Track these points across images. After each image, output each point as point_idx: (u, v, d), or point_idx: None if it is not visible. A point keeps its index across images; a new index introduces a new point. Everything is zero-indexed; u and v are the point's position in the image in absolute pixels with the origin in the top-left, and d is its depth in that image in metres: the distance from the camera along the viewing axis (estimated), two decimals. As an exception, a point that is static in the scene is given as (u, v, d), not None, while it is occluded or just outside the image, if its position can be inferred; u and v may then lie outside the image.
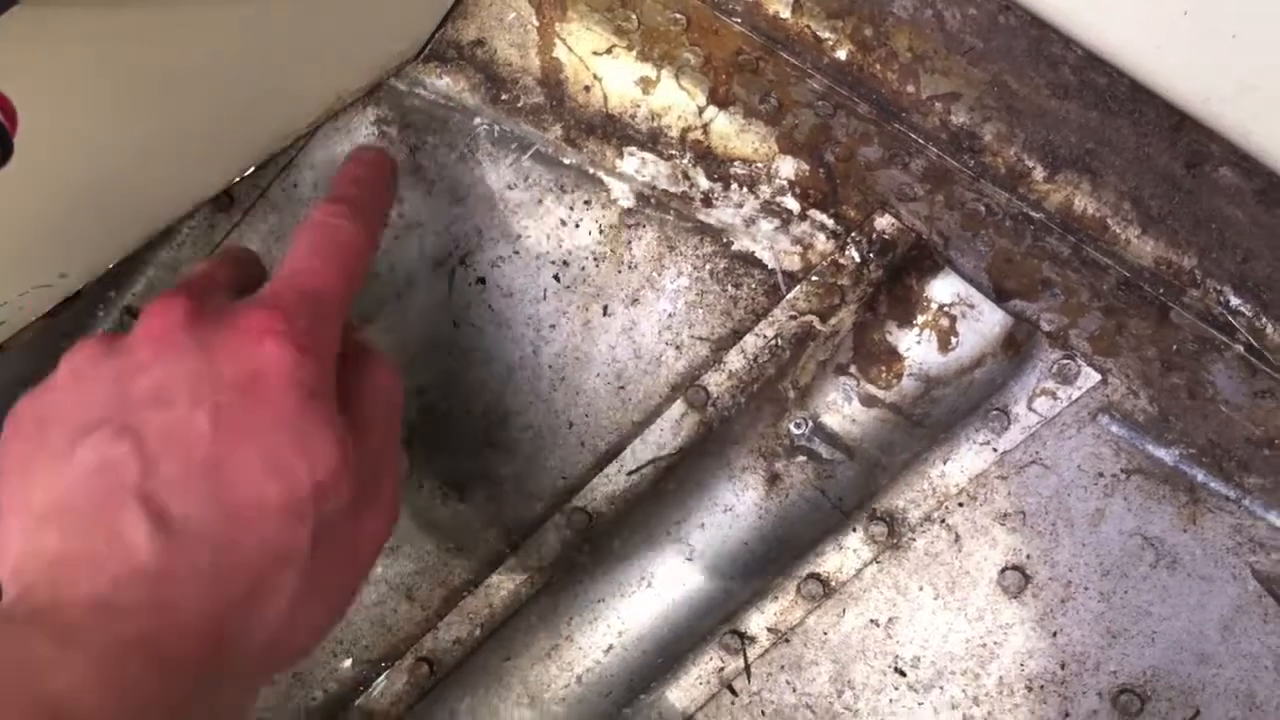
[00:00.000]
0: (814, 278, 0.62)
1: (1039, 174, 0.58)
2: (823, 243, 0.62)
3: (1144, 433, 0.60)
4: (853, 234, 0.61)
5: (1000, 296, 0.60)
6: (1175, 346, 0.58)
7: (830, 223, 0.62)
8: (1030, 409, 0.60)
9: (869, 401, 0.59)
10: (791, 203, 0.62)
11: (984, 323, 0.58)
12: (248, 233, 0.66)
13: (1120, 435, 0.60)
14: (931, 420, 0.60)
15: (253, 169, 0.63)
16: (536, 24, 0.64)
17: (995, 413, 0.60)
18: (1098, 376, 0.59)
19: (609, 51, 0.63)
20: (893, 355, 0.59)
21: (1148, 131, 0.58)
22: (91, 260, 0.58)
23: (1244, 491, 0.59)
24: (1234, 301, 0.57)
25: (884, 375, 0.59)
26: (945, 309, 0.58)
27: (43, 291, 0.57)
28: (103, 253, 0.58)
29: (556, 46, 0.65)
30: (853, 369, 0.60)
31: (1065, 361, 0.60)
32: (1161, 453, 0.59)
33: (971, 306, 0.58)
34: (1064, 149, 0.58)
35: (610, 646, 0.64)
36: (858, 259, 0.62)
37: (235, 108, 0.55)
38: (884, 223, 0.61)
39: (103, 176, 0.51)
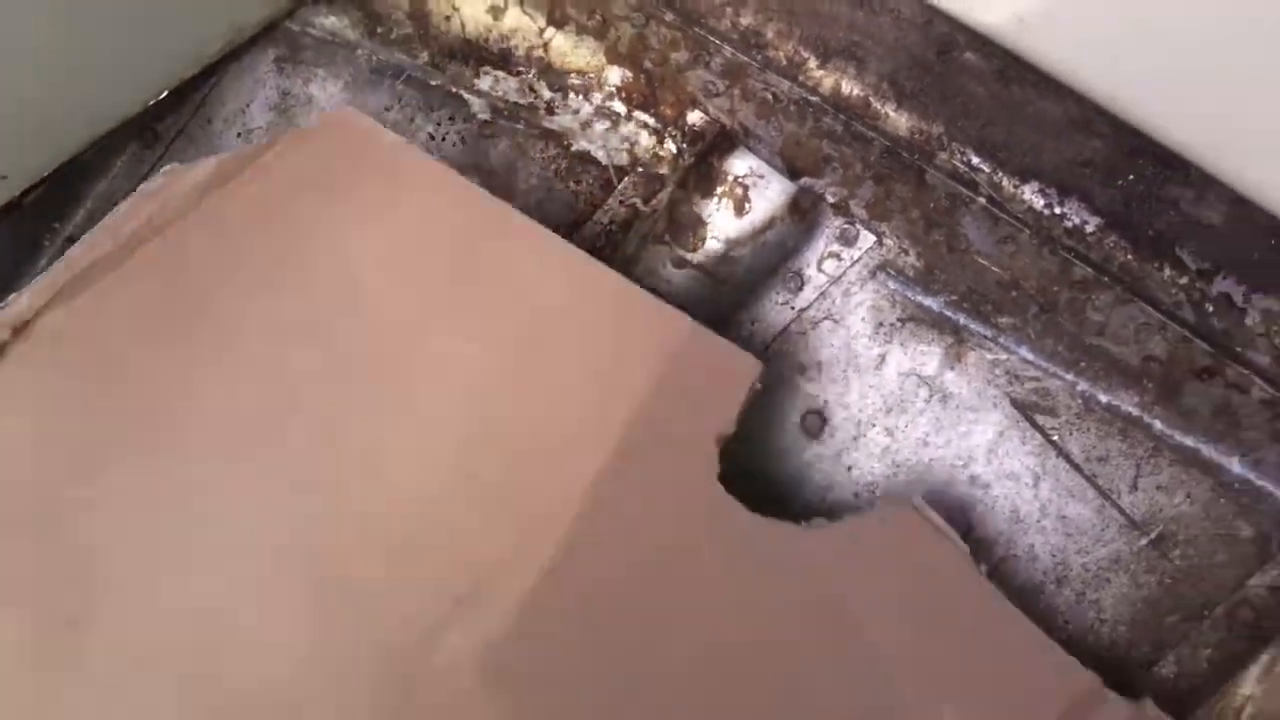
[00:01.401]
0: (639, 170, 0.73)
1: (813, 63, 0.69)
2: (646, 139, 0.73)
3: (914, 285, 0.70)
4: (669, 129, 0.73)
5: (793, 175, 0.71)
6: (933, 205, 0.68)
7: (651, 121, 0.73)
8: (820, 270, 0.71)
9: (680, 263, 0.70)
10: (619, 106, 0.74)
11: (772, 190, 0.69)
12: (171, 162, 0.78)
13: (895, 289, 0.70)
14: (734, 278, 0.70)
15: (167, 94, 0.75)
16: (407, -33, 0.76)
17: (791, 275, 0.71)
18: (874, 238, 0.70)
19: (465, -14, 0.75)
20: (698, 222, 0.70)
21: (904, 26, 0.68)
22: (28, 165, 0.70)
23: (999, 330, 0.69)
24: (975, 161, 0.67)
25: (692, 240, 0.70)
26: (740, 180, 0.69)
27: (-12, 186, 0.69)
28: (38, 158, 0.70)
29: (423, -15, 0.77)
30: (667, 237, 0.70)
31: (846, 226, 0.70)
32: (930, 301, 0.70)
33: (761, 177, 0.69)
34: (833, 41, 0.69)
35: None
36: (674, 150, 0.73)
37: (142, 29, 0.68)
38: (694, 117, 0.72)
39: (33, 87, 0.64)
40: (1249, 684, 0.63)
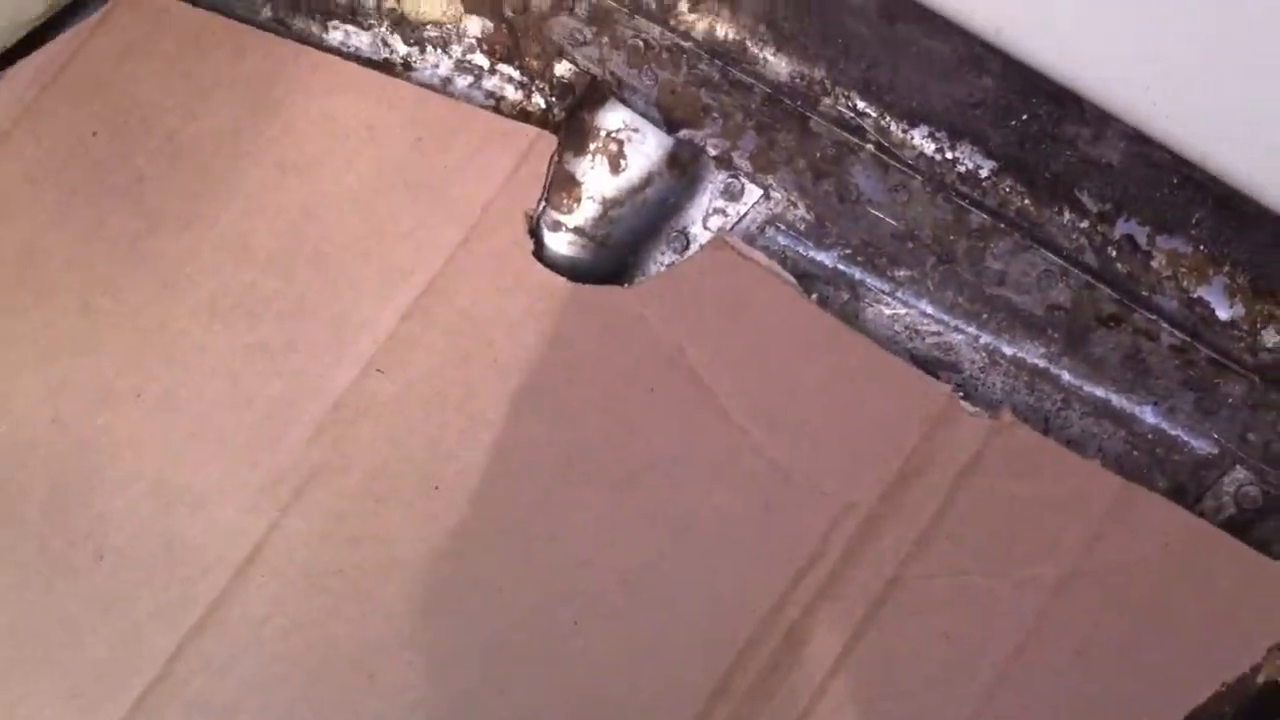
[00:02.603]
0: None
1: (684, 5, 0.64)
2: (513, 93, 0.68)
3: (806, 239, 0.65)
4: (537, 82, 0.67)
5: (671, 128, 0.65)
6: (819, 154, 0.64)
7: (517, 74, 0.67)
8: (705, 228, 0.66)
9: (555, 227, 0.65)
10: (481, 59, 0.68)
11: (648, 145, 0.64)
12: None
13: (786, 245, 0.65)
14: (614, 240, 0.65)
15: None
16: (243, -83, 0.69)
17: (676, 235, 0.66)
18: (760, 192, 0.65)
19: (308, -65, 0.68)
20: (572, 182, 0.64)
21: (781, -39, 0.63)
22: None
23: (896, 284, 0.64)
24: (861, 105, 0.63)
25: (566, 201, 0.64)
26: (613, 135, 0.64)
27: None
28: None
29: (262, -64, 0.69)
30: (540, 199, 0.65)
31: (731, 180, 0.65)
32: (823, 256, 0.65)
33: (636, 131, 0.64)
34: (704, -19, 0.63)
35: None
36: (543, 105, 0.67)
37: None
38: (563, 69, 0.66)
39: None
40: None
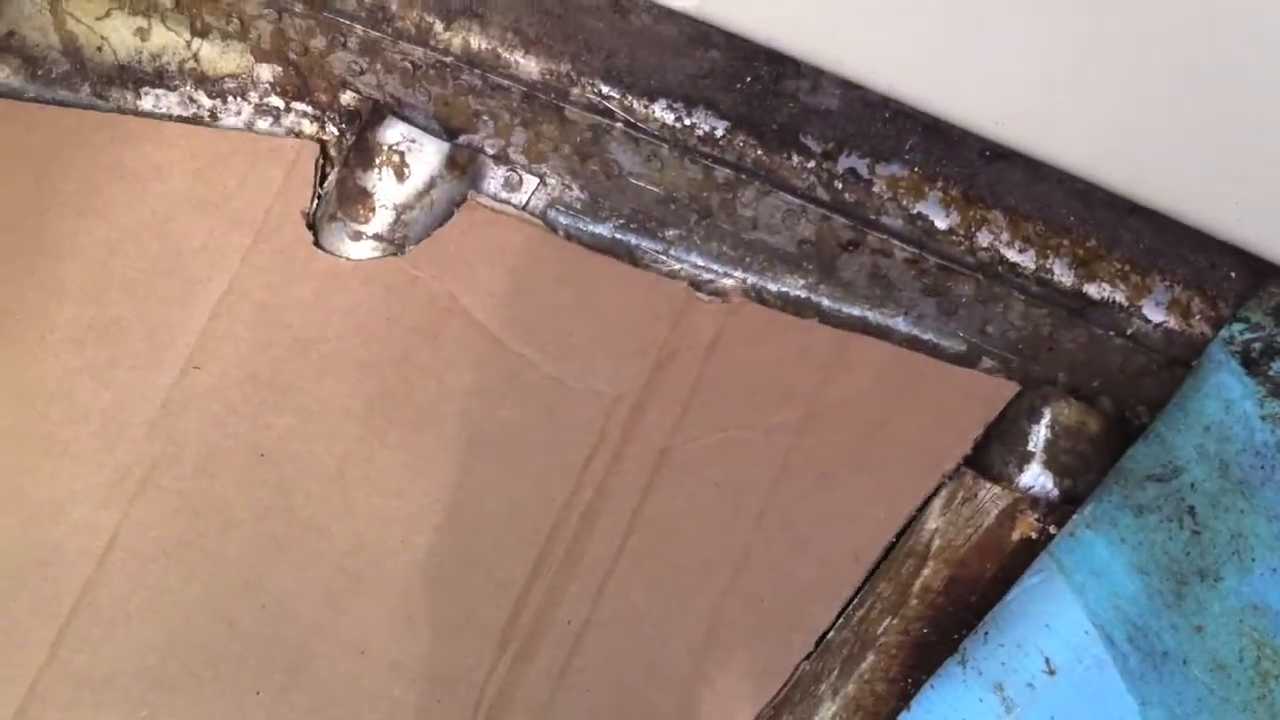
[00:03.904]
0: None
1: (439, 26, 0.72)
2: (308, 126, 0.76)
3: (584, 216, 0.73)
4: (328, 113, 0.75)
5: (452, 135, 0.74)
6: (579, 138, 0.72)
7: (310, 109, 0.75)
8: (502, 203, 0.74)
9: (357, 236, 0.73)
10: (277, 100, 0.76)
11: (427, 152, 0.72)
12: None
13: (568, 223, 0.73)
14: (412, 240, 0.73)
15: None
16: (48, 6, 0.77)
17: (470, 229, 0.74)
18: (536, 180, 0.73)
19: (107, 15, 0.76)
20: (364, 194, 0.72)
21: (520, -25, 0.72)
22: None
23: (668, 243, 0.73)
24: (605, 90, 0.71)
25: (362, 212, 0.72)
26: (394, 148, 0.72)
27: None
28: None
29: (68, 21, 0.77)
30: (339, 214, 0.73)
31: (509, 174, 0.73)
32: (602, 228, 0.73)
33: (414, 141, 0.72)
34: (454, 3, 0.72)
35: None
36: (336, 132, 0.75)
37: None
38: (348, 98, 0.74)
39: None
40: (933, 518, 0.68)
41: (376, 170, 0.72)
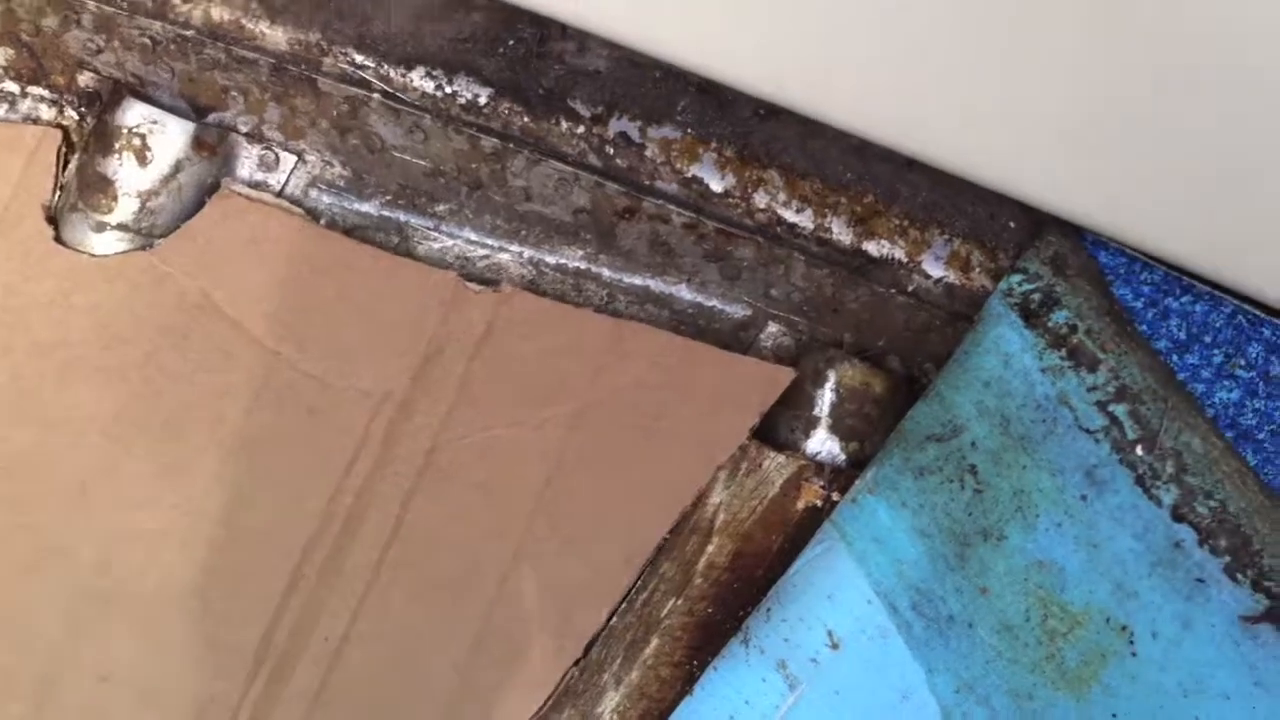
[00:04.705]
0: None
1: (177, -1, 0.67)
2: (46, 111, 0.70)
3: (349, 193, 0.69)
4: (65, 97, 0.69)
5: (200, 114, 0.69)
6: (336, 112, 0.68)
7: (47, 93, 0.70)
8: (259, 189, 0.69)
9: (100, 228, 0.67)
10: (12, 85, 0.70)
11: (170, 133, 0.67)
12: None
13: (331, 202, 0.69)
14: (160, 229, 0.68)
15: None
16: None
17: (228, 213, 0.69)
18: (294, 158, 0.69)
19: None
20: (104, 182, 0.67)
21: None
22: None
23: (439, 219, 0.69)
24: (359, 59, 0.67)
25: (104, 201, 0.67)
26: (134, 130, 0.67)
27: None
28: None
29: None
30: (80, 204, 0.67)
31: (265, 152, 0.69)
32: (368, 207, 0.69)
33: (156, 123, 0.67)
34: (192, -28, 0.67)
35: None
36: (76, 117, 0.69)
37: None
38: (86, 79, 0.69)
39: None
40: (717, 492, 0.66)
41: (117, 155, 0.67)
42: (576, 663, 0.61)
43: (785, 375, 0.64)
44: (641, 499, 0.62)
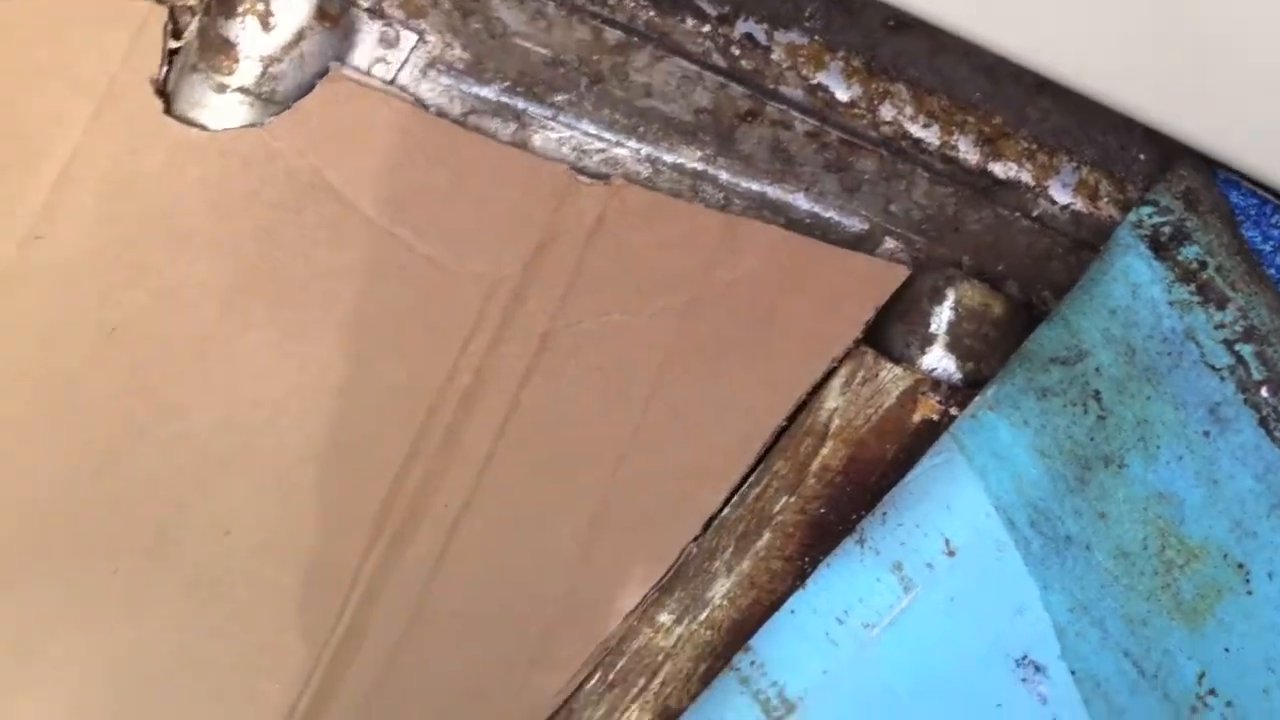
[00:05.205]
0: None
1: None
2: (161, -23, 0.69)
3: (467, 77, 0.68)
4: (184, -38, 0.68)
5: (325, -12, 0.68)
6: (460, -9, 0.67)
7: (165, -43, 0.69)
8: (371, 76, 0.68)
9: (220, 89, 0.66)
10: (130, -54, 0.69)
11: (295, 2, 0.66)
12: None
13: (450, 84, 0.68)
14: (280, 96, 0.67)
15: None
16: None
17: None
18: (415, 36, 0.68)
19: None
20: (227, 44, 0.66)
21: None
22: None
23: (557, 109, 0.68)
24: (490, -62, 0.66)
25: (225, 63, 0.66)
26: (258, -4, 0.66)
27: None
28: None
29: None
30: (201, 65, 0.66)
31: (386, 29, 0.68)
32: (486, 91, 0.68)
33: (280, -10, 0.66)
34: None
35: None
36: (193, -16, 0.68)
37: None
38: (210, -57, 0.68)
39: None
40: (832, 397, 0.64)
41: (240, 19, 0.66)
42: (695, 539, 0.59)
43: (901, 272, 0.63)
44: (757, 387, 0.62)
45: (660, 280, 0.63)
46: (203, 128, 0.66)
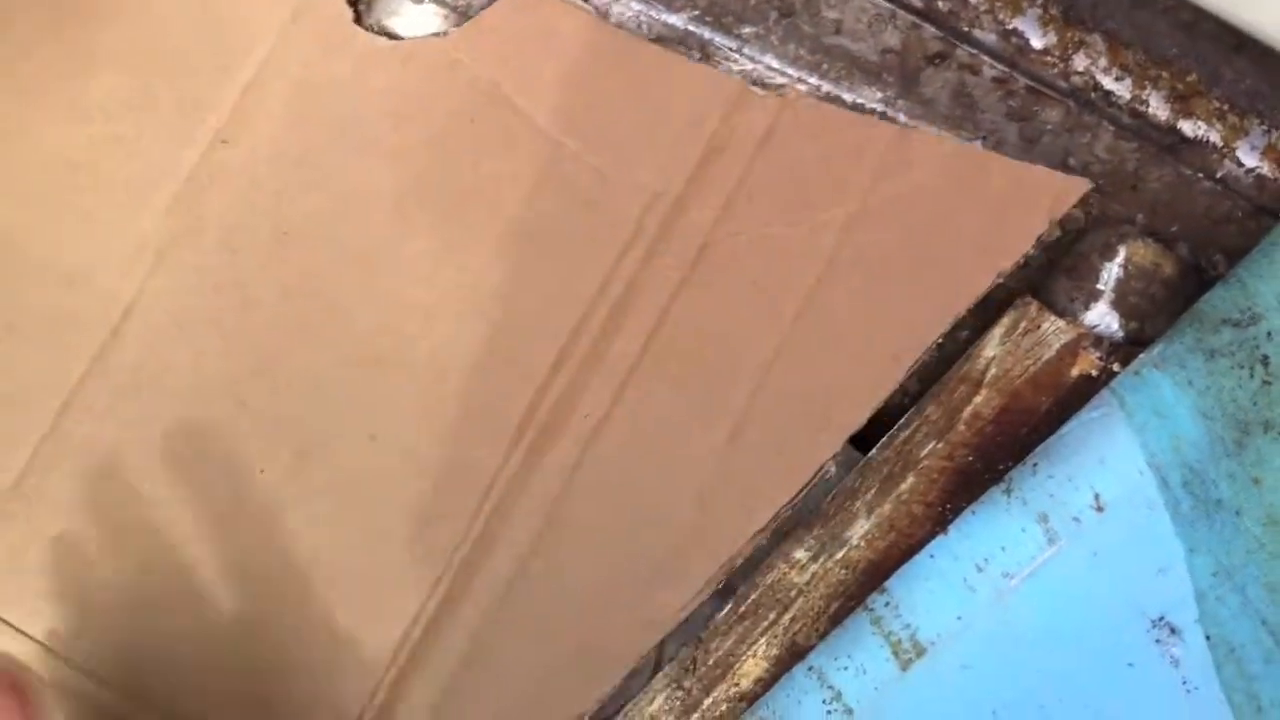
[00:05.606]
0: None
1: None
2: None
3: (658, 4, 0.69)
4: None
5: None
6: (662, -82, 0.68)
7: None
8: None
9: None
10: None
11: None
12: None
13: (640, 10, 0.70)
14: (474, 7, 0.69)
15: None
16: None
17: (537, 8, 0.70)
18: (611, -40, 0.69)
19: None
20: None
21: None
22: None
23: (743, 40, 0.69)
24: None
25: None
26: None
27: None
28: None
29: None
30: (402, -19, 0.69)
31: (584, -48, 0.69)
32: (675, 19, 0.70)
33: (487, -93, 0.67)
34: None
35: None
36: (405, -108, 0.71)
37: None
38: None
39: None
40: (991, 346, 0.66)
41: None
42: (834, 457, 0.62)
43: (1080, 185, 0.63)
44: (916, 301, 0.63)
45: (826, 192, 0.64)
46: (393, 36, 0.69)
